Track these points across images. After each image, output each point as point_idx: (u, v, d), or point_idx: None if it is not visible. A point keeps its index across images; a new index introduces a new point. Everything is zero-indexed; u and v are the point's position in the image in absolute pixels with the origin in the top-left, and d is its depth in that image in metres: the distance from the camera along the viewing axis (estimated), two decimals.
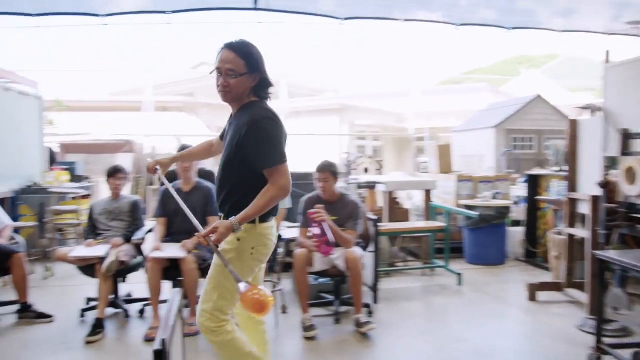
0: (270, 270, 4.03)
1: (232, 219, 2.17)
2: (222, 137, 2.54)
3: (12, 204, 6.08)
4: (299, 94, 13.13)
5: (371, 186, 5.65)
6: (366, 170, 8.53)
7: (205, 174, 4.48)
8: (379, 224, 4.42)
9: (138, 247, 4.14)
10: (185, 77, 20.83)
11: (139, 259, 4.14)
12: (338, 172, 4.00)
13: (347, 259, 3.81)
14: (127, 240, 4.12)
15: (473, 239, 6.12)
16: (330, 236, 3.75)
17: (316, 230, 3.79)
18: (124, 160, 10.23)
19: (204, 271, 3.93)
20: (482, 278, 5.50)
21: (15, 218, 6.09)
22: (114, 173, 4.36)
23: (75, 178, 7.15)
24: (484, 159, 9.52)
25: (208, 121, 13.71)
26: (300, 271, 3.84)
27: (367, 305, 4.18)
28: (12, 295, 4.12)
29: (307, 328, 3.75)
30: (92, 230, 4.35)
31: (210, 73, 2.30)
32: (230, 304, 2.33)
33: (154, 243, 3.98)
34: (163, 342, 1.35)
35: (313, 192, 4.09)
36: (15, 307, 4.07)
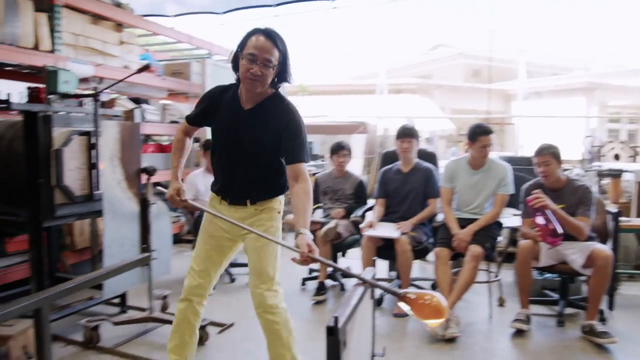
0: (488, 258, 3.78)
1: (304, 231, 2.13)
2: (195, 121, 2.48)
3: None
4: (539, 73, 12.05)
5: (616, 174, 4.86)
6: (617, 157, 7.42)
7: (425, 155, 4.42)
8: (620, 218, 3.80)
9: (356, 225, 4.29)
10: (422, 59, 20.86)
11: (357, 236, 4.28)
12: (560, 154, 3.52)
13: (594, 255, 3.31)
14: (347, 216, 4.29)
15: None
16: (557, 225, 3.31)
17: (540, 220, 3.39)
18: (358, 141, 10.75)
19: (417, 253, 3.91)
20: None
21: None
22: (338, 149, 4.50)
23: (312, 157, 7.76)
24: None
25: (441, 102, 13.53)
26: (523, 264, 3.51)
27: (599, 312, 3.65)
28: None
29: (518, 320, 3.44)
30: (314, 203, 4.60)
31: (234, 57, 2.28)
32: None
33: (367, 220, 4.08)
34: (335, 319, 1.35)
35: (535, 179, 3.69)
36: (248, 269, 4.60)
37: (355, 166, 9.95)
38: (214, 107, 2.36)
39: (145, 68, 3.10)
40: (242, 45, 2.19)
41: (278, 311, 2.38)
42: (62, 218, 3.18)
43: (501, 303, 4.02)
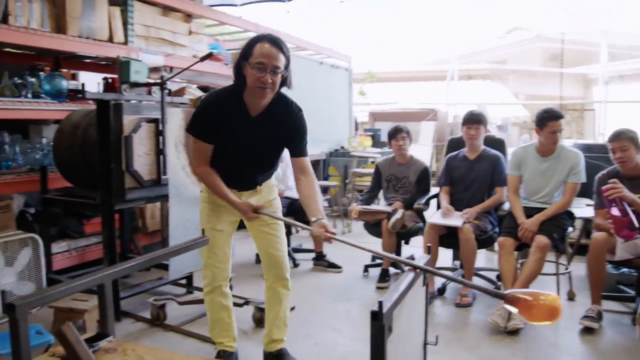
0: (557, 250, 3.62)
1: (320, 217, 2.27)
2: (210, 140, 2.38)
3: (323, 165, 6.93)
4: (623, 55, 11.27)
5: None
6: None
7: (493, 142, 4.27)
8: None
9: (420, 213, 4.22)
10: (497, 43, 20.10)
11: (420, 224, 4.22)
12: (638, 139, 3.29)
13: None
14: (410, 206, 4.21)
15: None
16: (634, 218, 3.10)
17: (615, 211, 3.18)
18: (428, 128, 10.57)
19: (482, 242, 3.81)
20: None
21: (325, 177, 6.94)
22: (395, 133, 4.36)
23: (377, 144, 7.71)
24: None
25: (515, 88, 12.99)
26: (596, 258, 3.30)
27: None
28: (312, 245, 4.72)
29: (587, 317, 3.26)
30: (374, 192, 4.54)
31: (237, 65, 2.31)
32: None
33: (443, 205, 3.99)
34: (380, 304, 1.34)
35: (610, 167, 3.47)
36: (312, 255, 4.67)
37: (424, 154, 9.80)
38: (220, 119, 2.33)
39: (208, 56, 3.18)
40: (247, 54, 2.20)
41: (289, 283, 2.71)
42: (132, 201, 3.35)
43: (571, 297, 3.84)
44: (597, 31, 10.13)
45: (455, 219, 3.79)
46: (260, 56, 2.16)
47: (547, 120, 3.58)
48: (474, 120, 3.97)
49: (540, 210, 3.59)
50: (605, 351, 3.04)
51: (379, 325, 1.36)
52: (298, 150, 2.44)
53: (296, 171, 2.45)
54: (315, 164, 6.84)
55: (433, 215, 3.96)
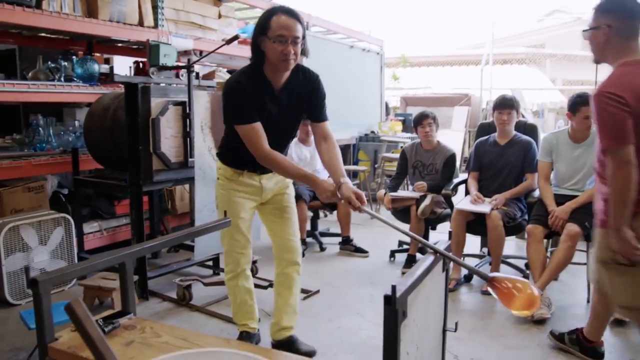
0: (588, 239, 3.51)
1: (346, 179, 2.23)
2: (259, 118, 2.27)
3: (353, 149, 6.89)
4: None
5: None
6: None
7: (525, 127, 4.16)
8: None
9: (448, 199, 4.16)
10: (536, 27, 19.54)
11: (448, 210, 4.16)
12: None
13: None
14: (438, 191, 4.15)
15: None
16: None
17: None
18: (461, 113, 10.39)
19: (510, 229, 3.73)
20: None
21: (355, 162, 6.91)
22: (421, 119, 4.26)
23: (408, 129, 7.62)
24: None
25: (552, 73, 12.63)
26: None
27: None
28: (339, 229, 4.71)
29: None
30: (400, 179, 4.47)
31: (254, 41, 2.27)
32: None
33: (472, 193, 3.91)
34: (393, 288, 1.32)
35: None
36: (339, 239, 4.67)
37: (457, 139, 9.65)
38: (251, 99, 2.26)
39: (234, 39, 3.17)
40: (265, 28, 2.16)
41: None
42: (159, 183, 3.40)
43: None
44: None
45: (484, 205, 3.72)
46: (279, 29, 2.14)
47: (580, 105, 3.46)
48: (506, 105, 3.87)
49: (571, 198, 3.49)
50: (636, 344, 2.95)
51: (392, 309, 1.35)
52: (321, 115, 2.44)
53: (318, 137, 2.44)
54: (345, 148, 6.81)
55: (461, 201, 3.90)
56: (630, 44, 2.11)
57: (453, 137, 9.34)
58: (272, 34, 2.14)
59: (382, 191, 4.44)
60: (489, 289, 1.56)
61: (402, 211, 4.21)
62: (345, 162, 6.80)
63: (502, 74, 11.66)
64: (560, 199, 3.52)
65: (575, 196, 3.49)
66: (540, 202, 3.60)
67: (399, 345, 1.37)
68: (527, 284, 1.55)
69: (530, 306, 1.53)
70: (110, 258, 1.75)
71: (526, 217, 3.78)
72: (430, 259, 1.73)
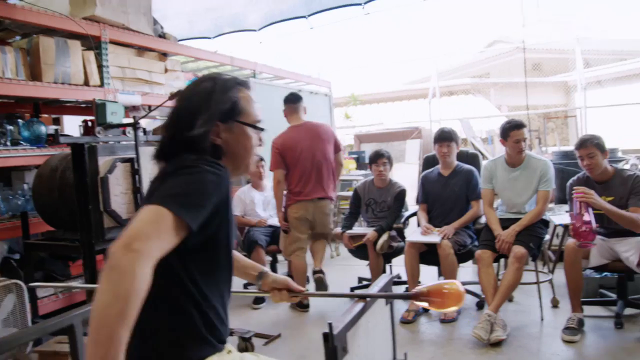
0: (534, 258, 3.68)
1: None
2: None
3: None
4: (598, 61, 11.49)
5: None
6: None
7: (467, 156, 4.35)
8: None
9: (400, 232, 4.27)
10: (479, 57, 20.36)
11: (402, 243, 4.26)
12: (604, 145, 3.36)
13: None
14: (389, 228, 4.22)
15: None
16: (593, 222, 3.14)
17: (586, 217, 3.22)
18: (413, 146, 10.67)
19: (462, 256, 3.85)
20: None
21: None
22: (376, 158, 4.37)
23: (362, 166, 7.78)
24: None
25: (497, 100, 13.17)
26: (571, 265, 3.36)
27: None
28: None
29: (568, 330, 3.28)
30: (354, 217, 4.54)
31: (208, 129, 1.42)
32: None
33: (422, 224, 4.04)
34: (330, 326, 1.39)
35: (580, 173, 3.55)
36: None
37: (411, 172, 9.87)
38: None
39: (176, 95, 3.25)
40: (236, 110, 1.46)
41: None
42: (112, 241, 3.37)
43: (555, 304, 3.88)
44: (572, 39, 10.33)
45: (433, 236, 3.85)
46: (258, 112, 1.53)
47: (509, 130, 3.68)
48: (445, 137, 4.06)
49: (516, 220, 3.65)
50: (588, 356, 3.07)
51: (331, 346, 1.41)
52: None
53: None
54: None
55: (412, 234, 4.02)
56: None
57: (407, 170, 9.56)
58: (250, 118, 1.50)
59: (339, 229, 4.52)
60: (417, 303, 1.65)
61: (360, 249, 4.29)
62: None
63: (450, 105, 12.08)
64: (506, 223, 3.68)
65: (519, 219, 3.65)
66: (487, 228, 3.75)
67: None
68: (446, 284, 1.66)
69: (458, 301, 1.64)
70: (57, 321, 1.76)
71: (476, 243, 3.92)
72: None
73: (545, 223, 3.78)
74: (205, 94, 1.43)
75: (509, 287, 3.40)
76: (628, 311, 3.56)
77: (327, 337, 1.39)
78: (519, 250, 3.43)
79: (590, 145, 3.35)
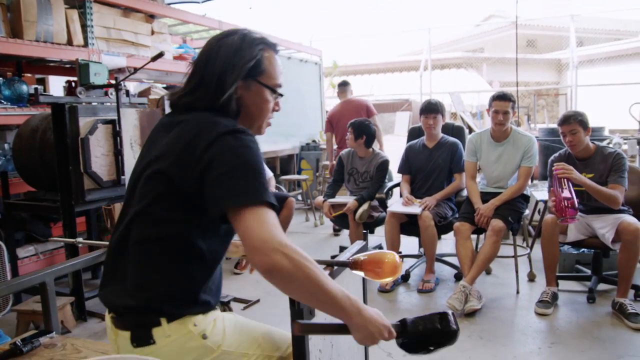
0: (514, 232, 3.72)
1: None
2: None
3: (296, 159, 6.99)
4: (592, 40, 11.45)
5: None
6: None
7: (452, 129, 4.35)
8: None
9: (383, 202, 4.29)
10: (473, 32, 20.20)
11: (384, 213, 4.29)
12: (587, 121, 3.35)
13: (622, 228, 3.14)
14: (370, 198, 4.24)
15: None
16: (574, 198, 3.17)
17: (566, 193, 3.26)
18: (403, 118, 10.65)
19: (442, 228, 3.89)
20: None
21: (298, 171, 7.00)
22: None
23: None
24: None
25: (489, 76, 13.13)
26: (547, 240, 3.38)
27: (636, 288, 3.45)
28: None
29: (542, 302, 3.34)
30: (337, 184, 4.53)
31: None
32: None
33: (404, 195, 4.04)
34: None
35: (562, 150, 3.56)
36: None
37: (400, 143, 9.88)
38: None
39: (158, 56, 3.22)
40: (258, 68, 1.38)
41: None
42: (93, 202, 3.39)
43: (531, 278, 3.94)
44: (567, 16, 10.25)
45: (414, 207, 3.87)
46: (279, 75, 1.44)
47: (492, 99, 3.70)
48: (431, 109, 4.04)
49: (496, 195, 3.68)
50: (559, 329, 3.13)
51: (297, 309, 1.43)
52: None
53: None
54: (288, 158, 6.90)
55: (394, 204, 4.04)
56: None
57: (396, 142, 9.55)
58: (271, 81, 1.42)
59: (320, 198, 4.52)
60: (355, 272, 1.62)
61: (341, 218, 4.31)
62: (288, 172, 6.90)
63: (441, 79, 12.04)
64: (487, 197, 3.70)
65: (500, 193, 3.68)
66: (468, 201, 3.78)
67: (307, 344, 1.45)
68: (385, 254, 1.61)
69: (394, 272, 1.59)
70: (29, 278, 1.77)
71: (457, 215, 3.95)
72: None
73: (526, 198, 3.81)
74: (233, 48, 1.36)
75: (486, 259, 3.44)
76: (602, 287, 3.63)
77: (293, 300, 1.41)
78: (497, 223, 3.47)
79: (574, 121, 3.35)
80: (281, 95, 1.46)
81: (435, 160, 4.08)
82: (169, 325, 1.28)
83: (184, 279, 1.32)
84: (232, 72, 1.33)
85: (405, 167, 4.23)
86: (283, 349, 1.57)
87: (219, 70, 1.34)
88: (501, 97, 3.67)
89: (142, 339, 1.28)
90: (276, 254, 1.13)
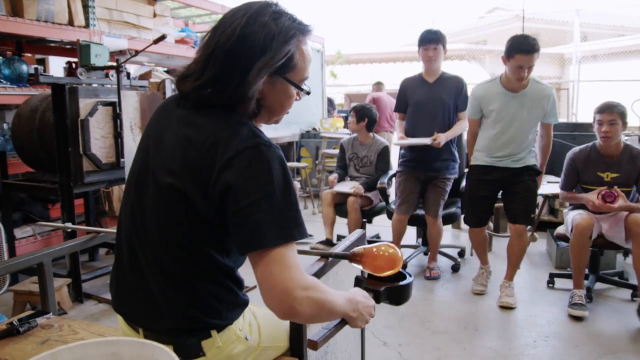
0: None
1: None
2: None
3: (296, 146, 6.96)
4: (596, 35, 11.37)
5: None
6: None
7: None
8: None
9: (383, 192, 4.28)
10: (477, 24, 20.11)
11: (383, 203, 4.28)
12: (627, 115, 3.12)
13: (631, 224, 3.02)
14: (371, 188, 4.24)
15: None
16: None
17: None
18: None
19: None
20: None
21: (297, 159, 6.99)
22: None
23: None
24: None
25: (491, 68, 13.08)
26: (579, 243, 3.14)
27: (634, 287, 3.39)
28: None
29: (576, 305, 3.14)
30: (343, 170, 4.54)
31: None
32: None
33: (399, 134, 3.84)
34: None
35: (585, 145, 3.31)
36: None
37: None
38: None
39: (160, 39, 3.19)
40: (289, 65, 1.20)
41: None
42: (92, 184, 3.38)
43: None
44: (572, 10, 10.19)
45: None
46: (308, 67, 1.27)
47: (515, 51, 3.11)
48: (431, 39, 3.55)
49: (509, 170, 3.28)
50: (554, 322, 3.12)
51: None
52: None
53: None
54: (288, 146, 6.87)
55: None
56: None
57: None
58: (301, 75, 1.25)
59: (335, 174, 4.46)
60: (354, 265, 1.58)
61: (340, 206, 4.31)
62: (288, 160, 6.85)
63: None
64: (496, 174, 3.33)
65: (508, 168, 3.28)
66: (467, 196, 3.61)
67: (304, 330, 1.45)
68: (386, 247, 1.57)
69: (394, 266, 1.54)
70: (27, 259, 1.76)
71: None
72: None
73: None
74: (265, 39, 1.15)
75: (519, 257, 3.39)
76: (599, 286, 3.61)
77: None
78: (519, 227, 3.30)
79: (616, 111, 3.08)
80: (308, 93, 1.29)
81: (438, 95, 3.62)
82: (219, 335, 1.24)
83: (224, 290, 1.26)
84: (260, 71, 1.15)
85: (401, 105, 3.78)
86: None
87: (243, 65, 1.14)
88: (529, 51, 3.08)
89: (190, 353, 1.22)
90: (297, 303, 1.05)
